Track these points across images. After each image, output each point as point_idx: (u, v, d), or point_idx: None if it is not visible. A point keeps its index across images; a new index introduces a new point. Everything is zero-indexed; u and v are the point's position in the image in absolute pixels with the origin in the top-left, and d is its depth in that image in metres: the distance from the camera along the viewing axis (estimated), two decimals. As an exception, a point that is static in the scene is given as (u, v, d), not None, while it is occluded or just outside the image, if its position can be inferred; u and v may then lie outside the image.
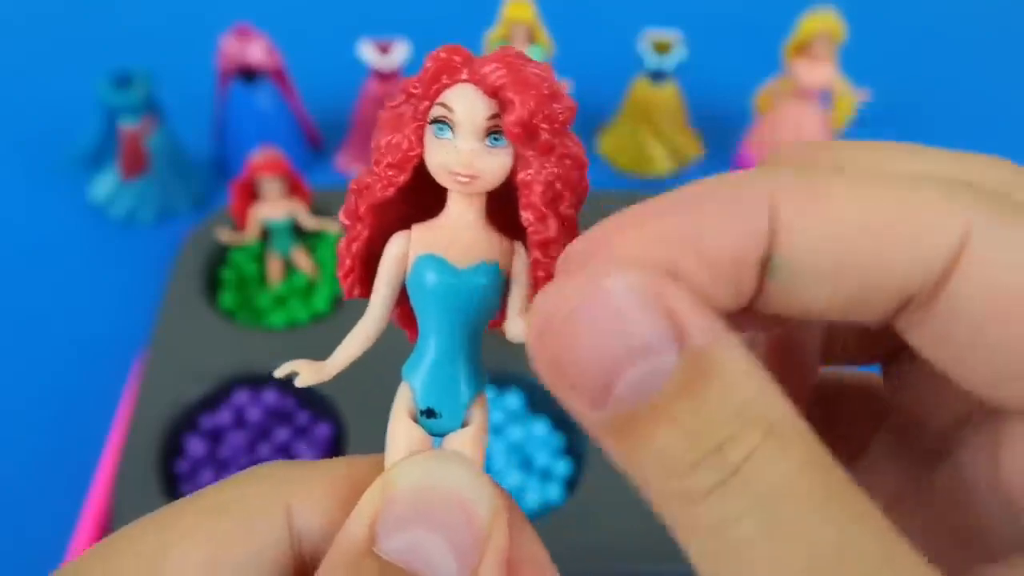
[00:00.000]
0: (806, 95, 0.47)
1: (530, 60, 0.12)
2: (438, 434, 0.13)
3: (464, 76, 0.12)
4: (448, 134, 0.12)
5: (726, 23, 0.63)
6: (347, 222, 0.13)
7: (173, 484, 0.34)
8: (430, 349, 0.13)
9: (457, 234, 0.12)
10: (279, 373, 0.13)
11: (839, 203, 0.09)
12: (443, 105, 0.12)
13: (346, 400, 0.35)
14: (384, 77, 0.47)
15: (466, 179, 0.12)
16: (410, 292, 0.12)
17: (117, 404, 0.37)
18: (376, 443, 0.34)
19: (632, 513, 0.32)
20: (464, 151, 0.12)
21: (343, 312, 0.40)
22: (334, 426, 0.36)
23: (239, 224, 0.41)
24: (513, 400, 0.37)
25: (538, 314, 0.09)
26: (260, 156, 0.39)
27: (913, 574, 0.08)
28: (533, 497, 0.34)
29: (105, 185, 0.46)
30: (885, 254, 0.09)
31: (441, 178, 0.12)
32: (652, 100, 0.48)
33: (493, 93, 0.11)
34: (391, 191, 0.12)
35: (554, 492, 0.34)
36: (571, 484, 0.34)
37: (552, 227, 0.12)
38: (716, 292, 0.09)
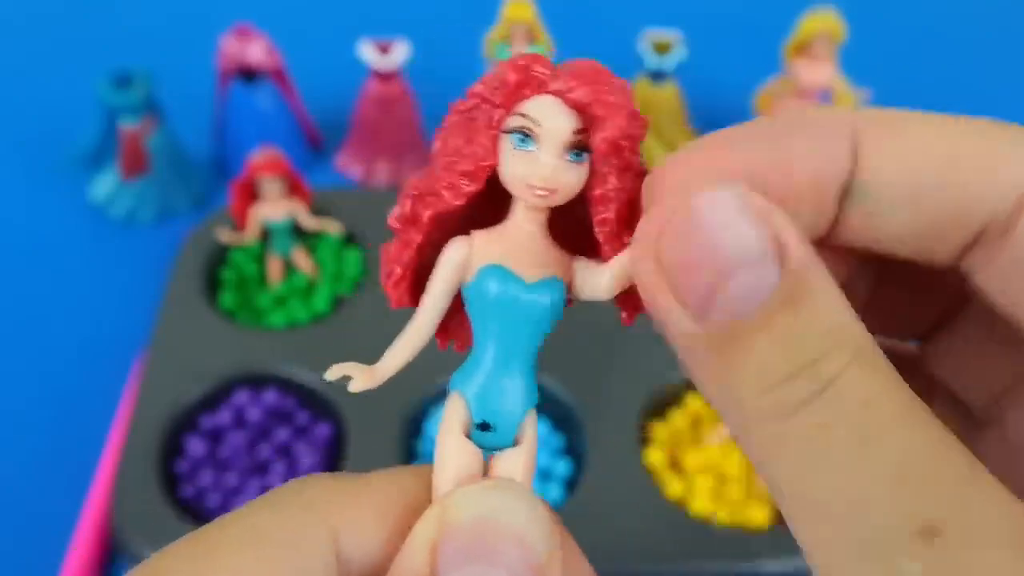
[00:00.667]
0: (806, 95, 0.47)
1: (612, 75, 0.12)
2: (489, 448, 0.13)
3: (551, 88, 0.11)
4: (531, 146, 0.11)
5: (726, 23, 0.63)
6: (399, 227, 0.12)
7: (173, 484, 0.34)
8: (487, 360, 0.12)
9: (524, 245, 0.12)
10: (331, 376, 0.13)
11: (919, 133, 0.10)
12: (526, 116, 0.11)
13: (346, 400, 0.35)
14: (384, 77, 0.47)
15: (544, 193, 0.12)
16: (469, 300, 0.12)
17: (117, 404, 0.37)
18: (376, 443, 0.35)
19: (632, 513, 0.32)
20: (548, 165, 0.11)
21: (343, 312, 0.40)
22: (334, 426, 0.36)
23: (239, 224, 0.41)
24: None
25: (646, 224, 0.10)
26: (260, 156, 0.39)
27: (994, 486, 0.08)
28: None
29: (105, 185, 0.46)
30: (963, 182, 0.09)
31: (519, 190, 0.12)
32: (652, 100, 0.48)
33: (579, 108, 0.11)
34: (462, 199, 0.12)
35: (554, 492, 0.34)
36: (571, 484, 0.34)
37: (626, 244, 0.12)
38: (799, 218, 0.10)
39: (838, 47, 0.45)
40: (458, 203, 0.12)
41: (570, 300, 0.13)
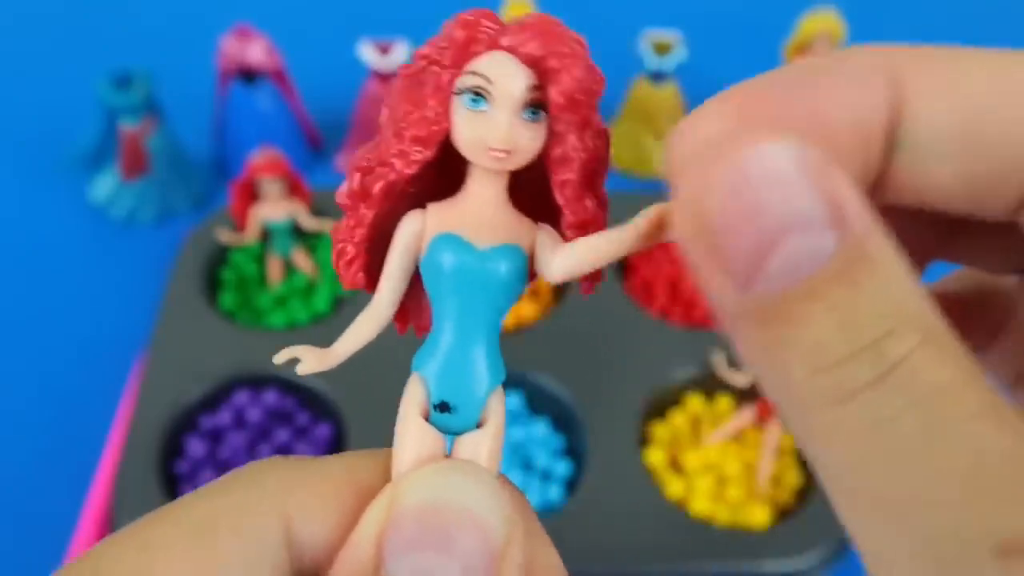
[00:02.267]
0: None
1: (565, 27, 0.11)
2: (452, 432, 0.12)
3: (501, 44, 0.11)
4: (483, 106, 0.11)
5: (726, 23, 0.63)
6: (348, 203, 0.11)
7: (173, 484, 0.34)
8: (445, 337, 0.11)
9: (480, 213, 0.11)
10: (279, 359, 0.12)
11: (969, 69, 0.08)
12: (477, 74, 0.11)
13: (346, 400, 0.35)
14: (384, 78, 0.47)
15: (501, 154, 0.11)
16: (424, 275, 0.11)
17: (117, 404, 0.37)
18: (377, 443, 0.34)
19: (632, 514, 0.32)
20: (503, 124, 0.11)
21: (343, 313, 0.40)
22: (334, 426, 0.36)
23: (239, 225, 0.41)
24: (513, 400, 0.37)
25: (687, 184, 0.08)
26: (260, 157, 0.39)
27: None
28: (533, 497, 0.34)
29: (105, 185, 0.46)
30: (1020, 126, 0.08)
31: (474, 154, 0.11)
32: (652, 100, 0.48)
33: (533, 63, 0.11)
34: (414, 168, 0.11)
35: (554, 492, 0.34)
36: (571, 484, 0.34)
37: (589, 207, 0.11)
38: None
39: (838, 47, 0.45)
40: (409, 171, 0.11)
41: (533, 273, 0.12)
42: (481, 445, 0.11)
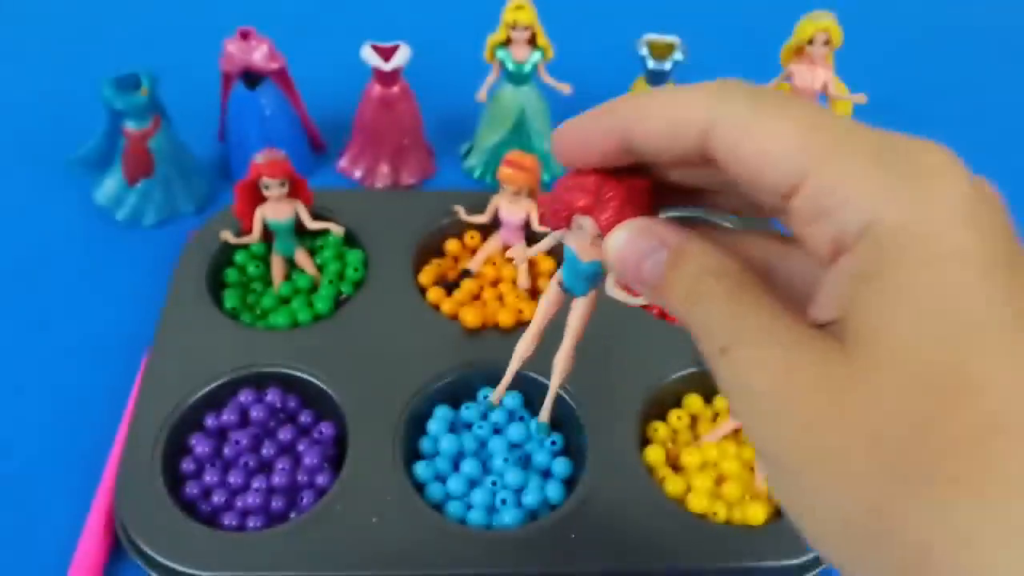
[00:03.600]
0: (803, 97, 0.47)
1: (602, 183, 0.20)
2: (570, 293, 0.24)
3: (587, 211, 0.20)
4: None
5: (725, 26, 0.64)
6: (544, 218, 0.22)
7: (178, 483, 0.34)
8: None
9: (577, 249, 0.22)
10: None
11: (753, 109, 0.16)
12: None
13: (348, 400, 0.36)
14: (386, 80, 0.47)
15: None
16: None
17: (124, 403, 0.38)
18: (378, 441, 0.36)
19: (632, 511, 0.33)
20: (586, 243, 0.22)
21: (345, 313, 0.40)
22: (337, 425, 0.36)
23: (243, 225, 0.42)
24: (513, 400, 0.37)
25: (608, 256, 0.19)
26: (263, 158, 0.40)
27: (770, 311, 0.16)
28: (533, 496, 0.34)
29: (110, 187, 0.46)
30: (757, 153, 0.16)
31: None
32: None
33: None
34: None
35: (554, 492, 0.34)
36: (570, 483, 0.35)
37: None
38: (669, 151, 0.17)
39: (835, 50, 0.46)
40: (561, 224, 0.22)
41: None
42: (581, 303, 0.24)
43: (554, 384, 0.27)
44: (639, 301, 0.21)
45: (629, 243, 0.18)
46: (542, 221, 0.21)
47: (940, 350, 0.13)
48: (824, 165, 0.15)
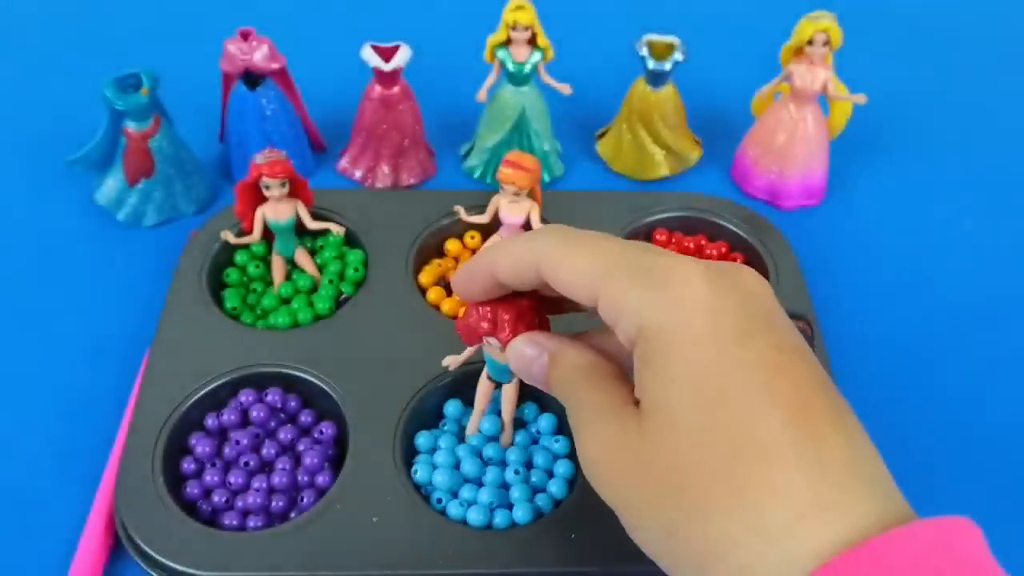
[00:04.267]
0: (803, 98, 0.47)
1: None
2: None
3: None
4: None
5: (725, 26, 0.64)
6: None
7: (179, 482, 0.34)
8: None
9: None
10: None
11: (567, 251, 0.23)
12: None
13: (349, 400, 0.36)
14: (386, 81, 0.47)
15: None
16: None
17: (124, 403, 0.38)
18: (377, 440, 0.37)
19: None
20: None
21: (345, 313, 0.40)
22: (337, 425, 0.36)
23: (243, 225, 0.42)
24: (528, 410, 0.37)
25: (509, 363, 0.27)
26: (264, 158, 0.40)
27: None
28: (535, 496, 0.34)
29: (111, 187, 0.46)
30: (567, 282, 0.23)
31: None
32: (651, 103, 0.49)
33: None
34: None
35: (556, 489, 0.34)
36: (571, 483, 0.35)
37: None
38: (518, 279, 0.25)
39: (835, 50, 0.46)
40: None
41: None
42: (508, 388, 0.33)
43: (506, 414, 0.35)
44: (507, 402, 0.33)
45: (520, 353, 0.26)
46: (463, 339, 0.29)
47: (698, 411, 0.19)
48: (605, 287, 0.22)
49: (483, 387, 0.34)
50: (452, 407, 0.37)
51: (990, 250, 0.48)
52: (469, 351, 0.33)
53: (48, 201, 0.48)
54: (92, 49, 0.60)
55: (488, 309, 0.27)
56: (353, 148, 0.50)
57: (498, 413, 0.35)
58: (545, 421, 0.36)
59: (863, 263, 0.46)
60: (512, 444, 0.35)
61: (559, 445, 0.36)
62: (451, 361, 0.34)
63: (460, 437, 0.36)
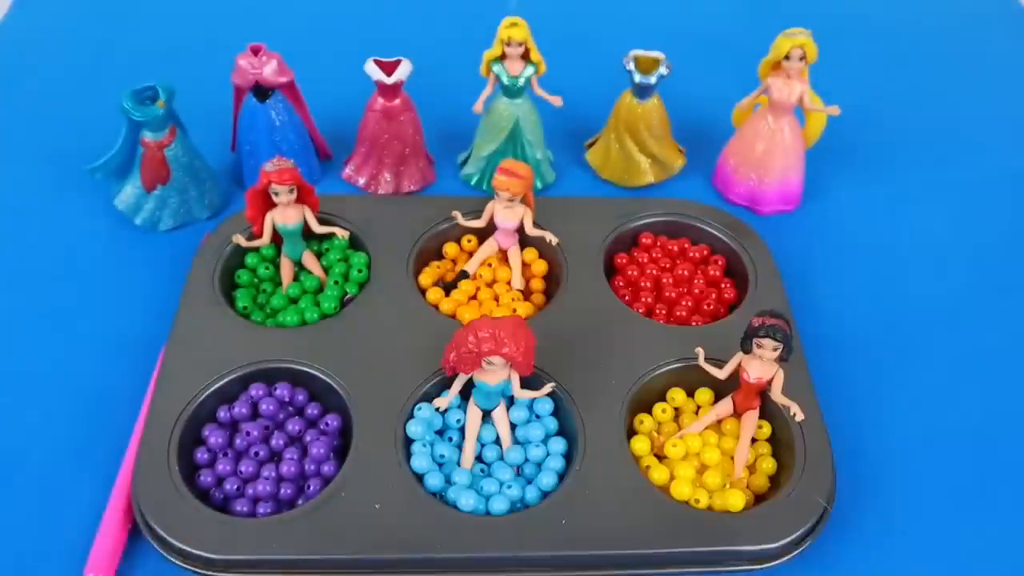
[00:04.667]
0: (780, 110, 0.49)
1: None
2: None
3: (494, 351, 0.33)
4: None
5: (708, 42, 0.66)
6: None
7: (193, 471, 0.36)
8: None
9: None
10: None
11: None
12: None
13: (353, 394, 0.37)
14: (388, 93, 0.49)
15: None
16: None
17: (141, 397, 0.39)
18: (380, 433, 0.41)
19: (619, 498, 0.34)
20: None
21: (349, 312, 0.42)
22: (342, 418, 0.37)
23: (254, 229, 0.43)
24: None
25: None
26: (273, 166, 0.41)
27: None
28: (530, 487, 0.36)
29: (129, 194, 0.47)
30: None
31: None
32: (637, 114, 0.50)
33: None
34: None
35: (547, 480, 0.35)
36: (562, 473, 0.36)
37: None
38: None
39: (810, 65, 0.48)
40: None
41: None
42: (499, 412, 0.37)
43: (504, 435, 0.37)
44: (535, 393, 0.35)
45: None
46: (450, 371, 0.32)
47: None
48: None
49: (473, 420, 0.36)
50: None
51: (957, 252, 0.49)
52: (456, 387, 0.36)
53: (70, 206, 0.49)
54: (112, 64, 0.60)
55: (485, 328, 0.31)
56: (357, 157, 0.52)
57: (496, 441, 0.37)
58: (535, 425, 0.37)
59: (838, 265, 0.48)
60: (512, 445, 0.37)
61: (550, 443, 0.37)
62: (441, 403, 0.36)
63: (461, 433, 0.37)
